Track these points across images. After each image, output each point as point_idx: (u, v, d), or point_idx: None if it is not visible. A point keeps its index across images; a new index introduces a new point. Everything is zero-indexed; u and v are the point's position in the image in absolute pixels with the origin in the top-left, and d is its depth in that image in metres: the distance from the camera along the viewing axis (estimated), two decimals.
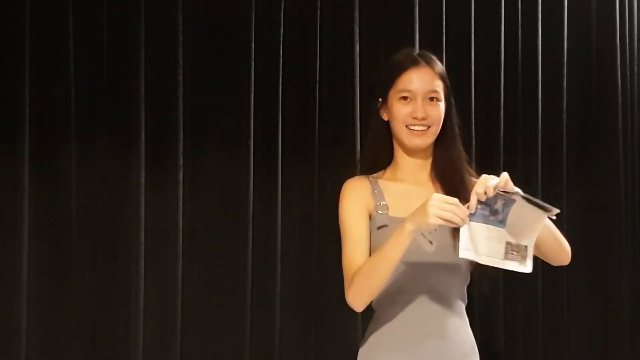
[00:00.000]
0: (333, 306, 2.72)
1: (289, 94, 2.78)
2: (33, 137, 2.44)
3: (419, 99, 1.97)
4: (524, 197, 1.79)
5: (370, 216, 1.97)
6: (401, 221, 1.80)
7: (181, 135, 2.63)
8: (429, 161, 2.05)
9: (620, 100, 3.47)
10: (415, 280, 1.94)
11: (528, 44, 3.30)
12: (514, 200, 1.79)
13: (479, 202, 1.76)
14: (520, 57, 3.28)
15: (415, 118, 1.96)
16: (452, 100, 2.05)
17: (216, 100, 2.70)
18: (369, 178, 2.03)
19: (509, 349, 3.23)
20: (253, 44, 2.72)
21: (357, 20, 2.89)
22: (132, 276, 2.54)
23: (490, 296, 3.18)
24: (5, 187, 2.42)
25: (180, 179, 2.62)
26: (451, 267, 1.96)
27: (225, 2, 2.73)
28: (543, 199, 3.47)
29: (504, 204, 1.79)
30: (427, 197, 1.81)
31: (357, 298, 1.88)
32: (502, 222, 1.79)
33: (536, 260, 3.49)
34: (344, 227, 1.96)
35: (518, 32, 3.28)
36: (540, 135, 3.31)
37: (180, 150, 2.63)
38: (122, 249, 2.55)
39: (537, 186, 3.29)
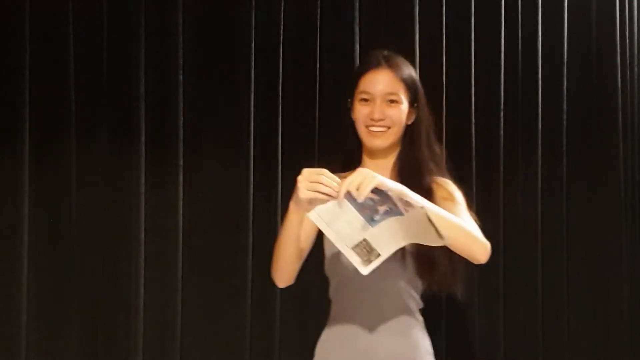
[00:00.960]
0: None
1: (289, 94, 2.78)
2: (33, 137, 2.44)
3: (378, 100, 2.01)
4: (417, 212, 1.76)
5: None
6: (288, 211, 1.86)
7: (181, 135, 2.63)
8: (392, 164, 2.08)
9: (620, 100, 3.47)
10: (349, 277, 1.98)
11: (528, 44, 3.30)
12: (400, 213, 1.77)
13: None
14: (520, 57, 3.28)
15: (372, 119, 2.00)
16: (422, 103, 2.08)
17: (216, 100, 2.70)
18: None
19: (509, 349, 3.23)
20: (253, 44, 2.72)
21: (357, 20, 2.89)
22: (132, 276, 2.54)
23: (490, 296, 3.18)
24: (5, 187, 2.42)
25: (180, 179, 2.62)
26: (383, 266, 1.94)
27: (225, 2, 2.73)
28: (543, 199, 3.46)
29: (387, 211, 1.78)
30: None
31: (273, 274, 2.00)
32: (373, 222, 1.79)
33: (535, 260, 3.50)
34: None
35: (518, 32, 3.28)
36: (540, 135, 3.31)
37: (180, 150, 2.63)
38: (122, 249, 2.55)
39: (537, 186, 3.29)
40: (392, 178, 2.02)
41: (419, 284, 2.06)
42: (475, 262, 1.97)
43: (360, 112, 2.02)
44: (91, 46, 2.54)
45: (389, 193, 1.77)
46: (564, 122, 3.37)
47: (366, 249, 1.80)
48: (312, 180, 1.75)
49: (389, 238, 1.80)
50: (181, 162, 2.62)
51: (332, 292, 2.09)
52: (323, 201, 1.77)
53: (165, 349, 2.60)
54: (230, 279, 2.69)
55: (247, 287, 2.70)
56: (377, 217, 1.79)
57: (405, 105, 2.03)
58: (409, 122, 2.07)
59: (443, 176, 2.08)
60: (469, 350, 3.14)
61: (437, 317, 3.05)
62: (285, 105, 2.78)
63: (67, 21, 2.49)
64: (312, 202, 1.78)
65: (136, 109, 2.56)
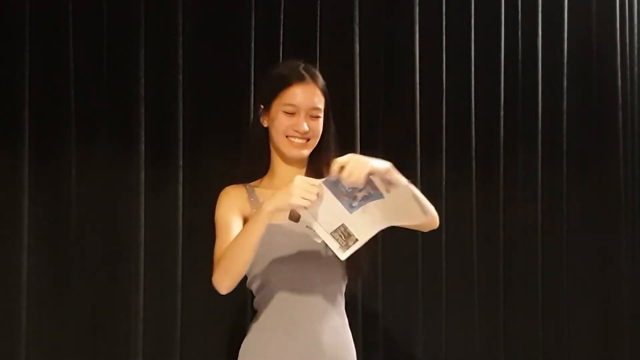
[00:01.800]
0: None
1: None
2: (33, 137, 2.44)
3: (302, 113, 2.06)
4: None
5: (246, 220, 2.03)
6: (263, 215, 1.85)
7: (181, 135, 2.63)
8: (304, 169, 2.13)
9: (620, 100, 3.48)
10: (283, 276, 2.01)
11: (528, 44, 3.30)
12: (379, 197, 1.84)
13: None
14: (520, 57, 3.28)
15: (296, 131, 2.05)
16: (330, 113, 2.14)
17: (216, 100, 2.70)
18: (245, 186, 2.13)
19: (509, 349, 3.23)
20: (253, 44, 2.72)
21: (357, 20, 2.89)
22: (132, 276, 2.54)
23: (490, 296, 3.18)
24: (5, 187, 2.41)
25: (180, 179, 2.62)
26: (317, 258, 1.99)
27: (225, 2, 2.73)
28: (543, 199, 3.46)
29: (366, 196, 1.84)
30: None
31: (221, 279, 1.98)
32: (352, 208, 1.85)
33: (535, 261, 3.50)
34: (218, 224, 2.07)
35: (518, 32, 3.28)
36: (540, 135, 3.31)
37: (180, 150, 2.62)
38: (122, 249, 2.55)
39: (537, 186, 3.29)
40: None
41: (345, 283, 2.10)
42: (427, 230, 2.06)
43: (283, 123, 2.05)
44: (91, 46, 2.53)
45: (374, 176, 1.81)
46: (564, 122, 3.37)
47: (344, 235, 1.86)
48: (308, 190, 1.81)
49: (366, 223, 1.86)
50: (181, 162, 2.62)
51: (262, 300, 2.09)
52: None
53: (165, 349, 2.60)
54: None
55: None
56: (355, 204, 1.85)
57: (322, 117, 2.10)
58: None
59: None
60: (468, 350, 3.14)
61: (437, 316, 3.06)
62: None
63: (67, 21, 2.49)
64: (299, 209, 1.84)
65: (136, 109, 2.56)
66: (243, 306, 2.69)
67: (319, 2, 2.85)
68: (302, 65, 2.12)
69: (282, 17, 2.79)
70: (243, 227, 1.95)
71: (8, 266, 2.40)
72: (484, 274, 3.17)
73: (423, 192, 2.95)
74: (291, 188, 1.80)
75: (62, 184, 2.49)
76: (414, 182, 2.91)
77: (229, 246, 1.95)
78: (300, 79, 2.07)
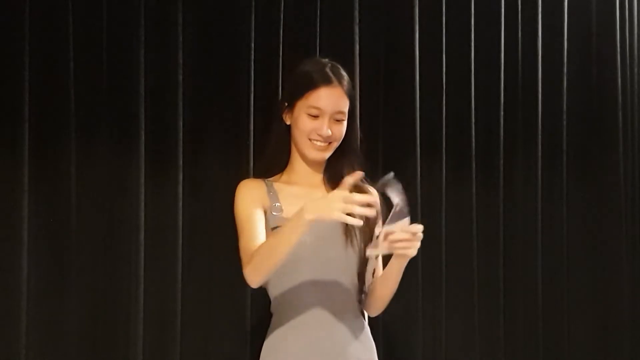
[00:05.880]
0: None
1: None
2: (33, 137, 2.44)
3: (327, 117, 2.04)
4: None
5: (265, 214, 2.04)
6: (303, 223, 1.81)
7: (181, 135, 2.63)
8: (323, 165, 2.14)
9: (620, 100, 3.48)
10: (305, 280, 2.01)
11: (528, 44, 3.30)
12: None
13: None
14: (520, 57, 3.28)
15: (320, 135, 2.04)
16: (355, 114, 2.15)
17: (216, 100, 2.70)
18: (264, 181, 2.12)
19: (509, 349, 3.23)
20: (253, 44, 2.72)
21: (357, 20, 2.89)
22: (132, 276, 2.54)
23: (490, 296, 3.18)
24: (5, 187, 2.41)
25: (180, 179, 2.62)
26: (339, 262, 2.00)
27: (225, 2, 2.73)
28: (543, 199, 3.47)
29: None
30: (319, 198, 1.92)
31: (253, 274, 1.97)
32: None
33: (535, 261, 3.50)
34: (241, 219, 2.03)
35: (518, 32, 3.28)
36: (540, 135, 3.31)
37: (180, 150, 2.62)
38: (122, 249, 2.55)
39: (537, 186, 3.29)
40: (324, 181, 2.13)
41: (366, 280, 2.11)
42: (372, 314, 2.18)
43: (307, 125, 2.05)
44: (91, 46, 2.53)
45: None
46: (564, 122, 3.37)
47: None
48: (347, 202, 1.75)
49: None
50: (181, 162, 2.62)
51: (282, 302, 2.08)
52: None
53: (165, 349, 2.60)
54: (230, 279, 2.69)
55: (247, 287, 2.69)
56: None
57: (345, 120, 2.09)
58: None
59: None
60: (468, 350, 3.14)
61: (437, 316, 3.06)
62: None
63: (67, 21, 2.49)
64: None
65: (136, 109, 2.56)
66: (243, 307, 2.70)
67: (319, 2, 2.85)
68: (329, 65, 2.10)
69: (282, 17, 2.79)
70: (280, 228, 1.91)
71: (8, 266, 2.40)
72: (484, 274, 3.17)
73: (423, 192, 3.00)
74: (333, 201, 1.75)
75: (62, 183, 2.49)
76: (414, 182, 2.97)
77: (264, 246, 1.93)
78: (327, 82, 2.04)
